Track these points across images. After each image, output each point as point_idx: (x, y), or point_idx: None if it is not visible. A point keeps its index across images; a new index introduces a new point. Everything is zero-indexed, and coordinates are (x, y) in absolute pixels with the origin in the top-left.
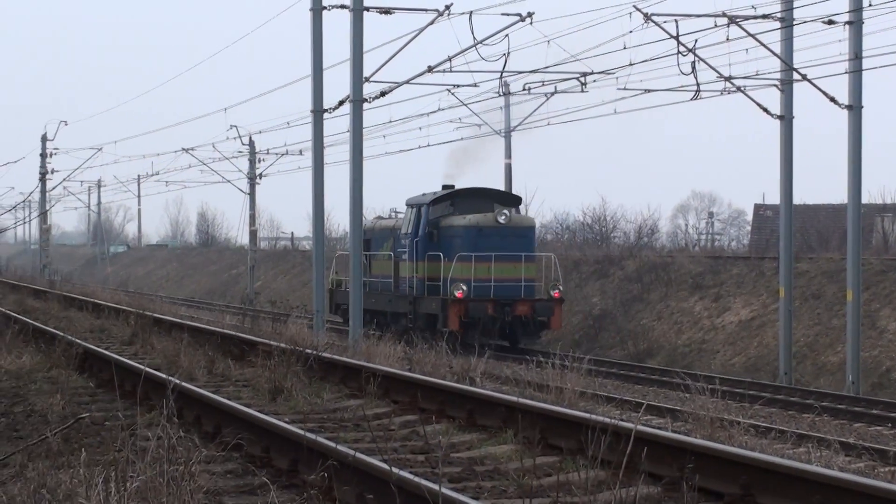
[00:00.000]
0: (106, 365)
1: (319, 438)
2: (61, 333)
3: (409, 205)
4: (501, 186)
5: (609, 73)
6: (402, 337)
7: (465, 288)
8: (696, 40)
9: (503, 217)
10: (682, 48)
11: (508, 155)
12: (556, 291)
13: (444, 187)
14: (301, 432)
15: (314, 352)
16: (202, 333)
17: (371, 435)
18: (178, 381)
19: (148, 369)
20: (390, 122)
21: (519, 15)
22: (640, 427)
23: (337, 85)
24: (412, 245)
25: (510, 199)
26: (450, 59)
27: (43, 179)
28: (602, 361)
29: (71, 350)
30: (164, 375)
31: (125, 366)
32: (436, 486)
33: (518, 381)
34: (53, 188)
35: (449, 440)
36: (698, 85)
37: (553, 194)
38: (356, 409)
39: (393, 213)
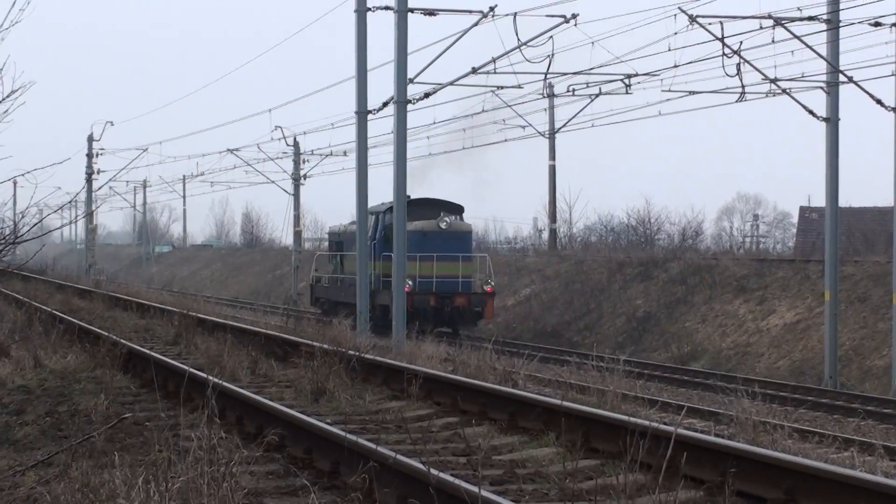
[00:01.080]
0: (149, 365)
1: (360, 440)
2: (106, 333)
3: (370, 212)
4: (545, 189)
5: (654, 75)
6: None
7: (411, 283)
8: (742, 42)
9: (444, 223)
10: (727, 50)
11: (552, 157)
12: (489, 286)
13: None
14: (342, 434)
15: (356, 353)
16: (245, 334)
17: (411, 437)
18: (219, 382)
19: (191, 370)
20: (434, 123)
21: (563, 16)
22: (682, 430)
23: (381, 86)
24: (371, 247)
25: (454, 208)
26: (494, 60)
27: (89, 180)
28: (645, 364)
29: (115, 350)
30: (206, 375)
31: (168, 366)
32: (475, 489)
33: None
34: (99, 188)
35: (490, 443)
36: (743, 87)
37: (597, 196)
38: (398, 411)
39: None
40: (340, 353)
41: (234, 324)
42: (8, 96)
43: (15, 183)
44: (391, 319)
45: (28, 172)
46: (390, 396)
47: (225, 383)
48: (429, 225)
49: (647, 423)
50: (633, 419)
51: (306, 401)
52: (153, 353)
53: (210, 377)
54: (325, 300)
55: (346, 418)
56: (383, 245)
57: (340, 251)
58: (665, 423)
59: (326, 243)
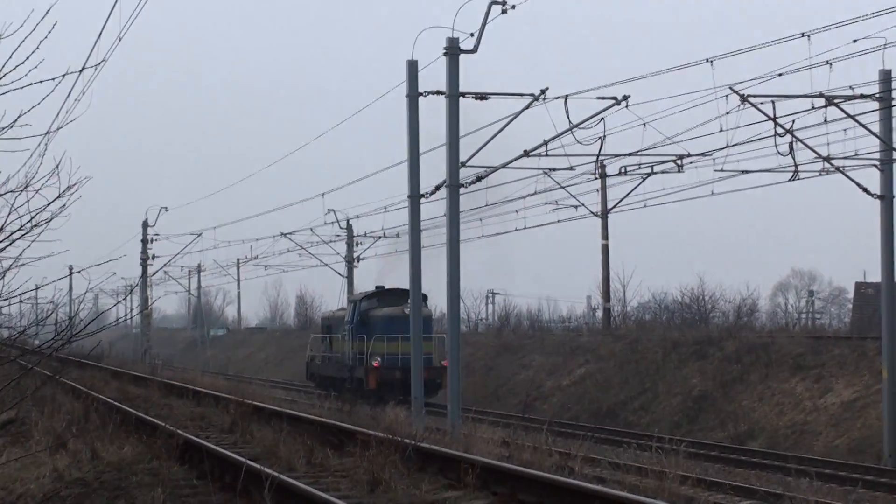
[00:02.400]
0: (206, 456)
1: None
2: (162, 423)
3: (350, 300)
4: (599, 268)
5: (706, 156)
6: (344, 394)
7: (379, 359)
8: (794, 121)
9: (408, 308)
10: (779, 129)
11: (605, 236)
12: (445, 361)
13: (377, 287)
14: None
15: (412, 442)
16: (301, 422)
17: None
18: (276, 475)
19: (248, 462)
20: (486, 205)
21: (614, 98)
22: None
23: (434, 166)
24: (349, 329)
25: None
26: (546, 143)
27: (144, 265)
28: (702, 444)
29: (172, 441)
30: (262, 468)
31: (225, 458)
32: None
33: (617, 466)
34: (154, 273)
35: None
36: (796, 165)
37: (651, 274)
38: (455, 502)
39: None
40: (396, 442)
41: (290, 411)
42: (64, 192)
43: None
44: (367, 390)
45: (84, 269)
46: (446, 486)
47: (281, 475)
48: (395, 311)
49: None
50: None
51: (362, 491)
52: (209, 444)
53: (265, 469)
54: (318, 375)
55: None
56: (358, 328)
57: (329, 334)
58: None
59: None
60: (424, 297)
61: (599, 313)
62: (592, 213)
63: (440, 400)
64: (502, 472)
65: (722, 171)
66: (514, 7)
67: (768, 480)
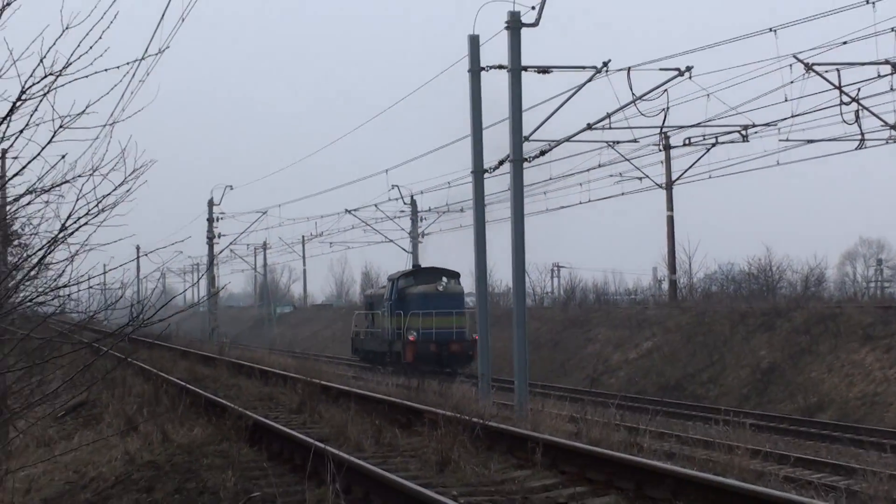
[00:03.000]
0: (275, 437)
1: None
2: (231, 405)
3: (389, 279)
4: (664, 240)
5: (771, 125)
6: (386, 367)
7: (415, 334)
8: (859, 89)
9: (441, 286)
10: (844, 97)
11: (670, 207)
12: (475, 335)
13: (414, 265)
14: None
15: (480, 420)
16: (369, 401)
17: None
18: (344, 456)
19: (317, 443)
20: (550, 178)
21: (678, 69)
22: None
23: (497, 141)
24: (388, 306)
25: (451, 274)
26: (609, 115)
27: (210, 243)
28: (771, 416)
29: (241, 422)
30: (332, 450)
31: (295, 439)
32: None
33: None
34: (220, 252)
35: None
36: (862, 134)
37: (717, 246)
38: (523, 481)
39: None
40: (464, 421)
41: (357, 391)
42: (130, 176)
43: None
44: (404, 363)
45: (151, 252)
46: (515, 465)
47: (350, 457)
48: (429, 288)
49: (778, 493)
50: (763, 490)
51: (431, 471)
52: (278, 426)
53: (330, 449)
54: (362, 350)
55: (472, 490)
56: (396, 304)
57: (372, 310)
58: (797, 494)
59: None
60: (457, 276)
61: (665, 285)
62: (657, 184)
63: (506, 375)
64: (570, 450)
65: (787, 140)
66: None
67: (839, 453)
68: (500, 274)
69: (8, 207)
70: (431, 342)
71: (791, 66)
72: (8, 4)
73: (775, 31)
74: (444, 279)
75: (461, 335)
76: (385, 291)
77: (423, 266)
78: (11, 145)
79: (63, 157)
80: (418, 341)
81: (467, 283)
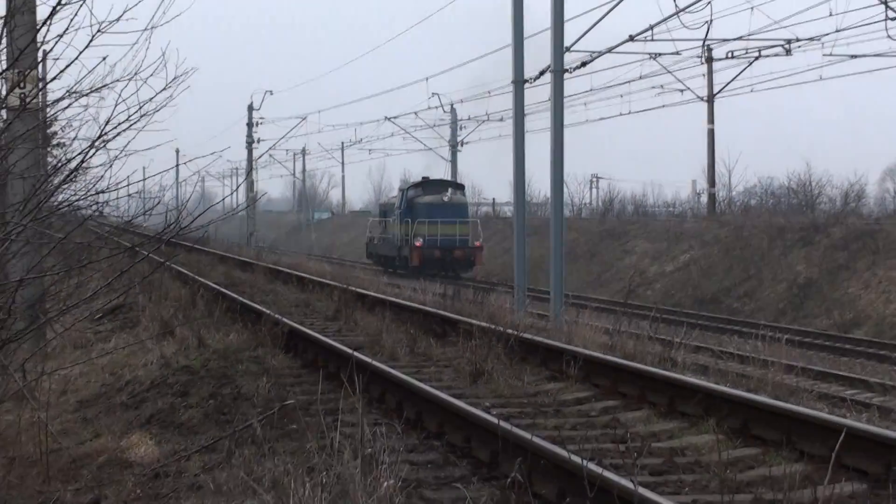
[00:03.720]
0: (311, 345)
1: (515, 430)
2: (267, 311)
3: (399, 189)
4: (704, 153)
5: (814, 40)
6: (396, 269)
7: (421, 240)
8: None
9: (446, 197)
10: (890, 12)
11: (711, 120)
12: (478, 242)
13: (423, 177)
14: (496, 422)
15: (514, 332)
16: (404, 311)
17: (569, 423)
18: (378, 365)
19: (352, 352)
20: (591, 90)
21: None
22: (847, 422)
23: (537, 52)
24: (398, 214)
25: (457, 186)
26: (651, 27)
27: (249, 148)
28: (807, 332)
29: (277, 329)
30: (364, 357)
31: (329, 347)
32: (629, 485)
33: (721, 354)
34: (260, 157)
35: (649, 428)
36: None
37: (757, 160)
38: (556, 394)
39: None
40: (498, 332)
41: (393, 299)
42: (171, 83)
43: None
44: (412, 267)
45: (190, 160)
46: (548, 378)
47: (384, 366)
48: (435, 198)
49: (809, 411)
50: (794, 408)
51: (465, 382)
52: (314, 333)
53: (360, 356)
54: (375, 254)
55: (505, 402)
56: (405, 212)
57: (385, 218)
58: (828, 412)
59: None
60: (462, 187)
61: (704, 198)
62: (698, 97)
63: (543, 285)
64: (604, 363)
65: (831, 55)
66: None
67: (874, 370)
68: (539, 184)
69: (48, 110)
70: (436, 248)
71: None
72: None
73: None
74: (450, 190)
75: (464, 242)
76: (396, 200)
77: (431, 178)
78: (52, 49)
79: (104, 58)
80: (424, 247)
81: (506, 192)
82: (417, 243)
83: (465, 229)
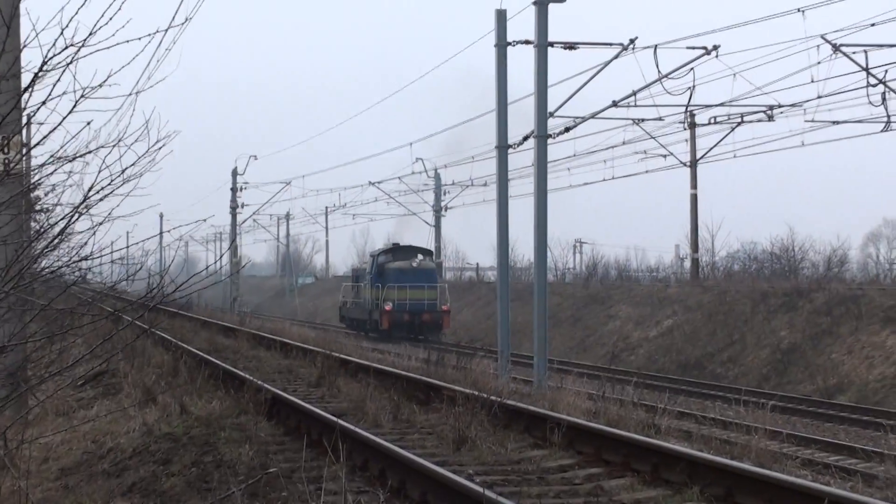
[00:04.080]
0: (294, 412)
1: (500, 499)
2: (250, 378)
3: (370, 254)
4: (687, 217)
5: (797, 106)
6: (367, 332)
7: (391, 304)
8: (887, 71)
9: (415, 262)
10: (871, 79)
11: (694, 185)
12: (446, 306)
13: (393, 244)
14: (481, 490)
15: (498, 399)
16: (387, 377)
17: (553, 491)
18: (361, 432)
19: (339, 421)
20: (574, 155)
21: (704, 48)
22: (834, 490)
23: (521, 116)
24: (369, 279)
25: (425, 252)
26: (634, 93)
27: (233, 213)
28: (790, 398)
29: (259, 395)
30: (347, 425)
31: (313, 414)
32: None
33: (704, 419)
34: (244, 221)
35: (633, 496)
36: (888, 116)
37: (740, 225)
38: (540, 461)
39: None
40: (482, 398)
41: (376, 365)
42: (153, 146)
43: (161, 217)
44: (382, 330)
45: (175, 228)
46: (532, 444)
47: (367, 434)
48: (404, 264)
49: (793, 479)
50: (778, 475)
51: (448, 449)
52: (296, 399)
53: (344, 423)
54: (348, 318)
55: (489, 469)
56: (376, 278)
57: (358, 283)
58: (812, 479)
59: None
60: (431, 253)
61: (688, 263)
62: (681, 162)
63: (526, 350)
64: (587, 430)
65: (813, 121)
66: None
67: (858, 436)
68: (523, 248)
69: (31, 175)
70: (405, 312)
71: (818, 46)
72: None
73: (803, 11)
74: (420, 256)
75: (432, 306)
76: (367, 265)
77: (401, 244)
78: (35, 113)
79: (88, 123)
80: (393, 311)
81: (490, 257)
82: (387, 307)
83: (433, 294)
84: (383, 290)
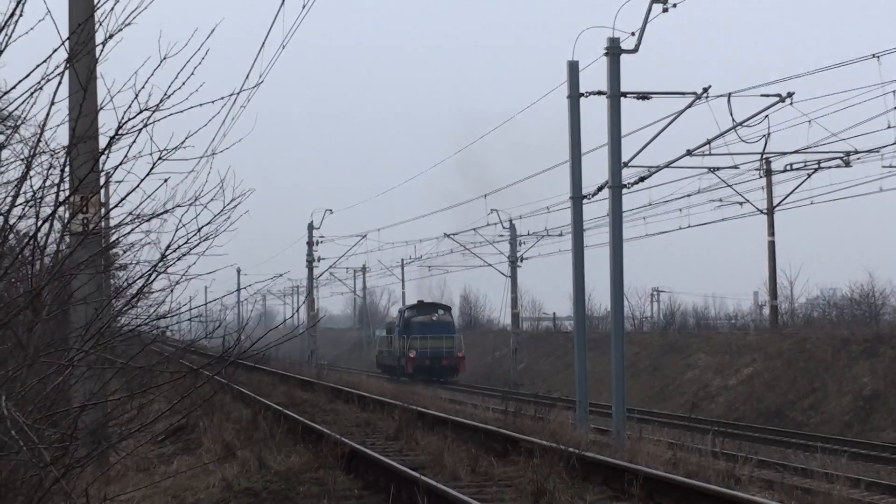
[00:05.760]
0: (372, 465)
1: None
2: (328, 431)
3: (399, 311)
4: (765, 264)
5: (873, 152)
6: (398, 376)
7: (415, 352)
8: None
9: (435, 316)
10: None
11: (771, 233)
12: (461, 353)
13: (419, 301)
14: None
15: (576, 450)
16: (465, 429)
17: None
18: (439, 485)
19: (421, 478)
20: (650, 204)
21: (779, 95)
22: None
23: (595, 165)
24: (398, 331)
25: (445, 308)
26: (709, 141)
27: (310, 267)
28: (874, 445)
29: (337, 449)
30: (426, 479)
31: (391, 468)
32: None
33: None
34: (320, 275)
35: None
36: None
37: (818, 271)
38: None
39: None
40: (560, 450)
41: (454, 418)
42: (229, 205)
43: (239, 272)
44: (408, 374)
45: (252, 285)
46: (611, 497)
47: (445, 487)
48: (426, 318)
49: None
50: None
51: (527, 502)
52: (375, 453)
53: (424, 478)
54: (383, 364)
55: None
56: (403, 330)
57: (391, 334)
58: None
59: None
60: (449, 308)
61: (766, 311)
62: (758, 209)
63: (605, 400)
64: (666, 482)
65: (890, 167)
66: (675, 5)
67: None
68: (599, 298)
69: (110, 235)
70: (427, 358)
71: (894, 92)
72: (110, 37)
73: (878, 56)
74: (440, 311)
75: (450, 353)
76: (396, 320)
77: (424, 301)
78: (113, 172)
79: (165, 181)
80: (416, 357)
81: (566, 307)
82: (411, 355)
83: (450, 343)
84: (409, 340)
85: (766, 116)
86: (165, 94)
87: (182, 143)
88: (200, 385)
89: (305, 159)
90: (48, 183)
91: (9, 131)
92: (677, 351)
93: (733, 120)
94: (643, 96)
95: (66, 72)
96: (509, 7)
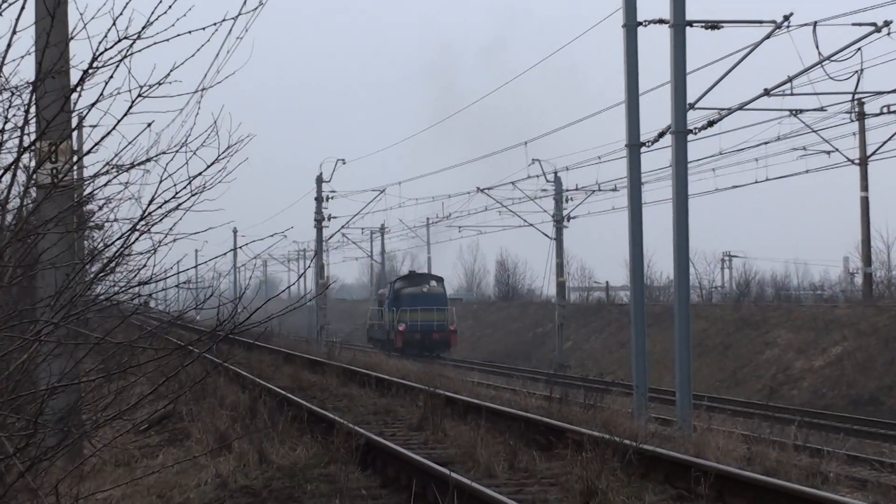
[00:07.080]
0: (392, 460)
1: None
2: (340, 420)
3: (389, 282)
4: (856, 225)
5: None
6: (388, 351)
7: (404, 325)
8: None
9: (426, 288)
10: None
11: (865, 187)
12: (453, 326)
13: (410, 271)
14: None
15: (633, 443)
16: (502, 417)
17: None
18: (472, 484)
19: (439, 467)
20: (720, 153)
21: (873, 24)
22: None
23: (654, 111)
24: (388, 303)
25: (435, 279)
26: (790, 79)
27: (319, 227)
28: None
29: (351, 441)
30: (457, 476)
31: (414, 462)
32: None
33: (879, 464)
34: (331, 237)
35: None
36: None
37: None
38: None
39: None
40: (614, 443)
41: (489, 405)
42: (224, 152)
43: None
44: (398, 348)
45: (247, 244)
46: (675, 497)
47: (479, 486)
48: (416, 290)
49: None
50: None
51: (575, 503)
52: (395, 446)
53: (455, 475)
54: (372, 338)
55: None
56: (393, 302)
57: (381, 307)
58: None
59: (379, 300)
60: (441, 279)
61: (859, 279)
62: (849, 160)
63: (667, 385)
64: (740, 480)
65: None
66: None
67: None
68: (660, 264)
69: (83, 187)
70: (417, 332)
71: None
72: None
73: None
74: (432, 282)
75: (441, 326)
76: (386, 291)
77: (416, 272)
78: (86, 115)
79: (149, 125)
80: (406, 331)
81: (621, 275)
82: (400, 328)
83: (442, 315)
84: (398, 313)
85: (859, 49)
86: (148, 21)
87: (166, 76)
88: (189, 364)
89: (315, 106)
90: (9, 126)
91: None
92: (753, 327)
93: (820, 54)
94: (713, 25)
95: None
96: None
